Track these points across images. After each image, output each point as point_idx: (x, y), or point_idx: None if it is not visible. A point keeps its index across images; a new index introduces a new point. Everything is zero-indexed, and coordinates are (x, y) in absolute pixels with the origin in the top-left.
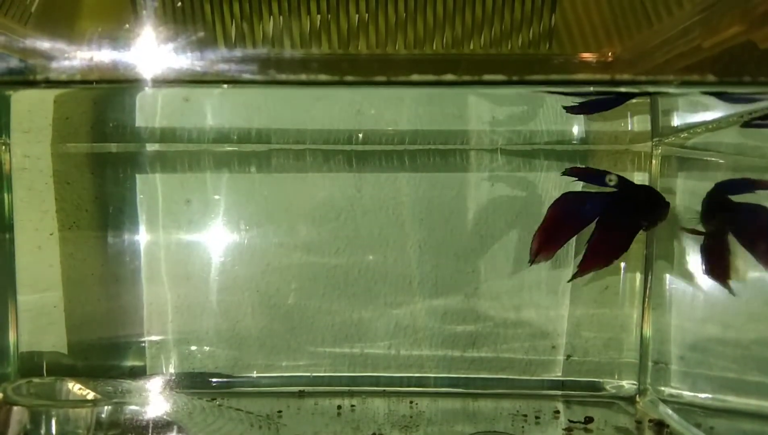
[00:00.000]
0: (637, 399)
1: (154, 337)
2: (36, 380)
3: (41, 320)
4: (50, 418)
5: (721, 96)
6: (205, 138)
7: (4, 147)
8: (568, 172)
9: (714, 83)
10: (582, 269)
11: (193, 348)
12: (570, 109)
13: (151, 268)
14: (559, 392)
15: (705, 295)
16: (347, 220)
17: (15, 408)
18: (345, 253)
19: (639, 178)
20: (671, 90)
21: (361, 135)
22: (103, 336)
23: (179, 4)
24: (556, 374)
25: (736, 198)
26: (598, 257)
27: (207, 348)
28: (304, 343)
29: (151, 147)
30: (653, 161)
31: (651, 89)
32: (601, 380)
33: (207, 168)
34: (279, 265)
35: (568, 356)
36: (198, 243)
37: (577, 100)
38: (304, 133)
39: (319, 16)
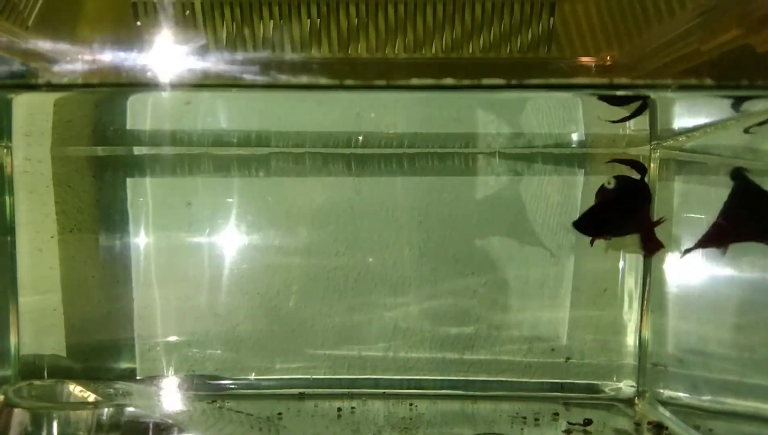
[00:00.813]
0: (636, 401)
1: (154, 340)
2: (37, 383)
3: (41, 323)
4: (51, 421)
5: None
6: (205, 141)
7: (5, 150)
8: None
9: (712, 87)
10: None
11: (194, 350)
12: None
13: (151, 270)
14: (558, 394)
15: (704, 297)
16: (346, 223)
17: (16, 410)
18: (344, 256)
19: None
20: (669, 93)
21: (360, 138)
22: (104, 338)
23: (183, 10)
24: (555, 376)
25: None
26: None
27: (207, 351)
28: (304, 345)
29: (152, 150)
30: (652, 165)
31: (650, 93)
32: (599, 382)
33: (207, 171)
34: (279, 267)
35: (567, 358)
36: (198, 245)
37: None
38: (303, 136)
39: (319, 20)
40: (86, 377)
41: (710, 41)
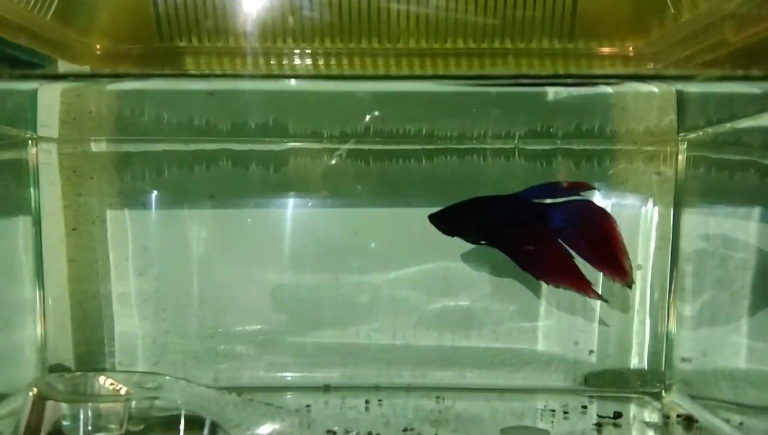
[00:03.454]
0: (663, 394)
1: (180, 332)
2: (68, 375)
3: (66, 314)
4: (83, 413)
5: None
6: (227, 133)
7: (31, 141)
8: None
9: (739, 78)
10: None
11: (218, 342)
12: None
13: (175, 262)
14: (586, 388)
15: (730, 291)
16: (368, 217)
17: (48, 403)
18: (368, 249)
19: (665, 174)
20: (696, 85)
21: (377, 133)
22: (126, 330)
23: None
24: (582, 370)
25: None
26: None
27: (232, 341)
28: (330, 337)
29: (173, 141)
30: (679, 157)
31: (677, 85)
32: (626, 375)
33: (228, 163)
34: (303, 260)
35: (591, 351)
36: (222, 236)
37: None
38: (322, 130)
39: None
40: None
41: (739, 32)
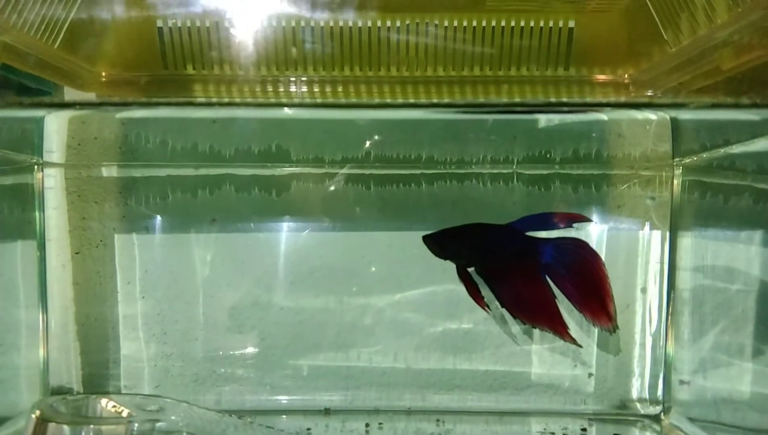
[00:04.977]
0: (662, 417)
1: (181, 355)
2: (70, 398)
3: (68, 337)
4: None
5: None
6: (230, 159)
7: (37, 166)
8: None
9: (730, 105)
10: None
11: (220, 365)
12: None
13: (178, 285)
14: (584, 410)
15: (728, 313)
16: (371, 240)
17: (50, 425)
18: (370, 272)
19: (660, 198)
20: (690, 111)
21: (378, 158)
22: (128, 354)
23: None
24: (580, 393)
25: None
26: None
27: (234, 364)
28: (329, 359)
29: (178, 168)
30: (675, 182)
31: (671, 112)
32: (625, 398)
33: (231, 188)
34: (305, 283)
35: (590, 374)
36: (224, 260)
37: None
38: (323, 155)
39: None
40: (117, 392)
41: (732, 60)
